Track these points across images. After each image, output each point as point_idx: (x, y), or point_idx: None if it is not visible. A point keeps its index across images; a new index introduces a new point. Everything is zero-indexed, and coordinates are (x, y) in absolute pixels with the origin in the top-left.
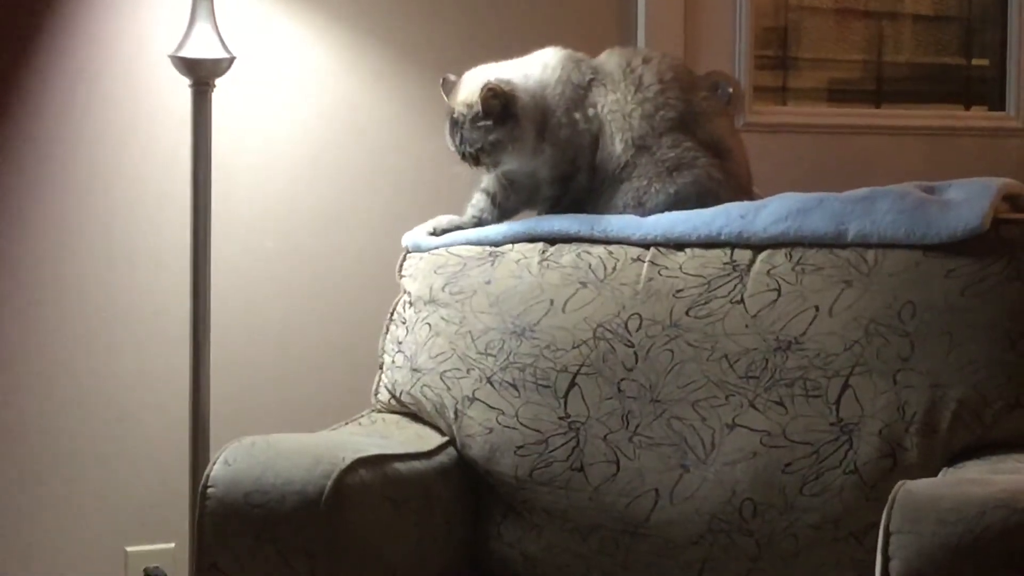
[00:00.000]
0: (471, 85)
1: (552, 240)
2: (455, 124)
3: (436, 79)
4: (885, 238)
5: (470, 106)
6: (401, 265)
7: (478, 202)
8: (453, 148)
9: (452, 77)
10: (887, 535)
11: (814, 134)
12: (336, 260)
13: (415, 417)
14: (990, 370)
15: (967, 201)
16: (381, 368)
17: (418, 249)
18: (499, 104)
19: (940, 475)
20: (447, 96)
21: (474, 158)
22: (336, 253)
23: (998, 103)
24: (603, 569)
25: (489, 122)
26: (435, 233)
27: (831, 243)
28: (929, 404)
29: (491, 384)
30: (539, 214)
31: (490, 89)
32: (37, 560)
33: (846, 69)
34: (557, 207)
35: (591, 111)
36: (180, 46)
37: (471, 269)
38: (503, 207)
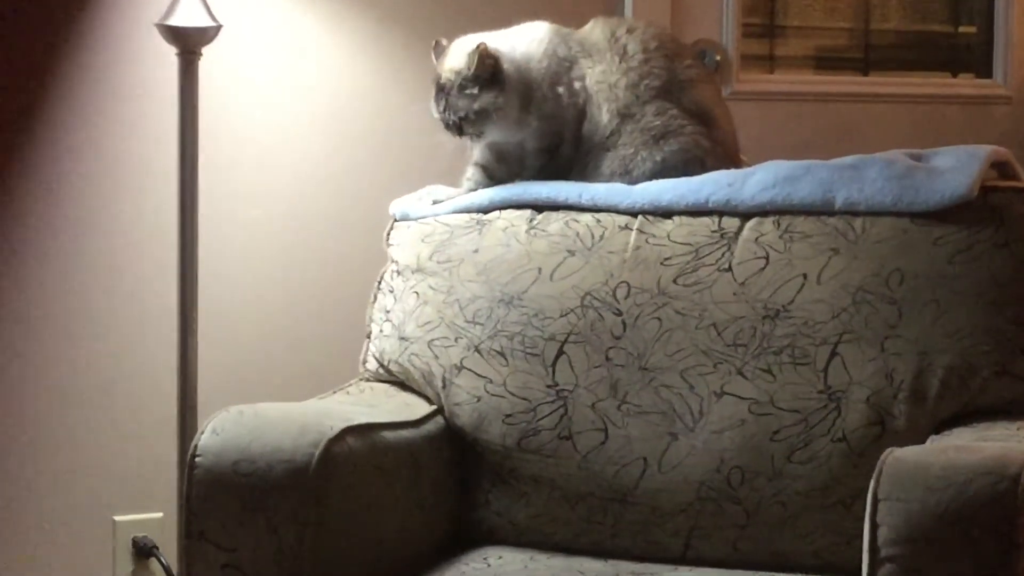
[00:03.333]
0: (460, 52)
1: (540, 207)
2: (441, 90)
3: (422, 48)
4: (873, 206)
5: (458, 72)
6: (389, 234)
7: (473, 175)
8: (437, 115)
9: (444, 42)
10: (875, 502)
11: (801, 102)
12: (324, 229)
13: (403, 386)
14: (977, 337)
15: (955, 169)
16: (369, 337)
17: (406, 218)
18: (491, 66)
19: (928, 442)
20: (437, 60)
21: (458, 127)
22: (324, 222)
23: (985, 70)
24: (591, 537)
25: (475, 89)
26: (436, 203)
27: (819, 211)
28: (917, 371)
29: (479, 352)
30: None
31: (484, 50)
32: (25, 530)
33: (833, 37)
34: (542, 177)
35: (577, 84)
36: (167, 14)
37: (458, 237)
38: (496, 178)
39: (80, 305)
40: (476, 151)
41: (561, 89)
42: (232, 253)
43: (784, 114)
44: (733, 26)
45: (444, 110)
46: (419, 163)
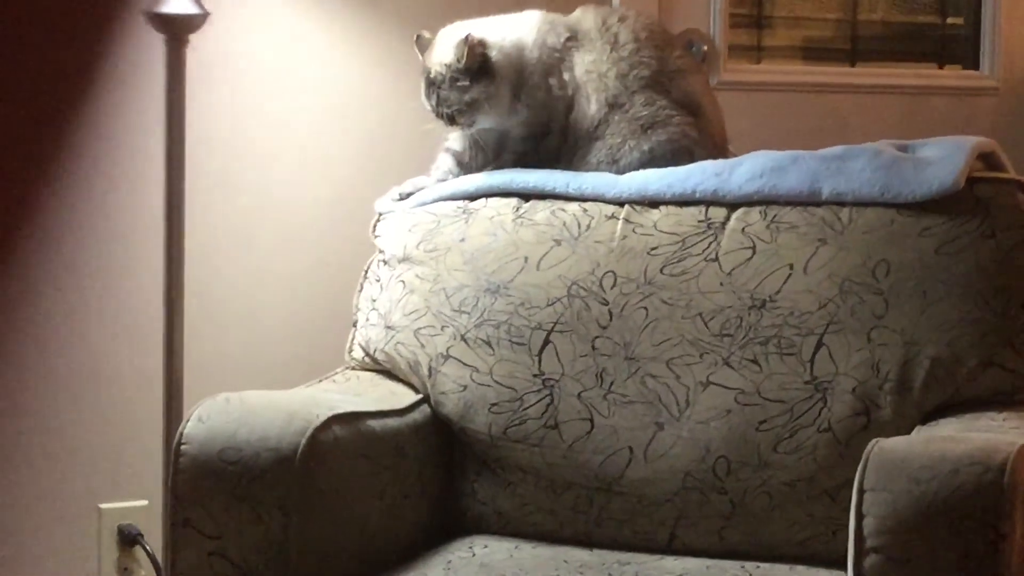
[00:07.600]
0: (447, 44)
1: (527, 195)
2: (431, 84)
3: (409, 36)
4: (860, 196)
5: (448, 65)
6: (375, 223)
7: (443, 163)
8: (429, 108)
9: (427, 34)
10: (861, 493)
11: (789, 92)
12: (311, 217)
13: (389, 374)
14: (964, 328)
15: (941, 160)
16: (355, 326)
17: (392, 210)
18: (480, 57)
19: (914, 433)
20: (421, 54)
21: (450, 118)
22: (311, 210)
23: (972, 62)
24: (576, 526)
25: (467, 81)
26: (401, 198)
27: (806, 201)
28: (903, 362)
29: (465, 341)
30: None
31: (473, 41)
32: (10, 518)
33: (821, 28)
34: (522, 165)
35: (567, 75)
36: (155, 1)
37: (445, 227)
38: (469, 167)
39: (65, 293)
40: (451, 137)
41: (552, 80)
42: (219, 241)
43: (771, 105)
44: (720, 16)
45: (436, 104)
46: (408, 152)
